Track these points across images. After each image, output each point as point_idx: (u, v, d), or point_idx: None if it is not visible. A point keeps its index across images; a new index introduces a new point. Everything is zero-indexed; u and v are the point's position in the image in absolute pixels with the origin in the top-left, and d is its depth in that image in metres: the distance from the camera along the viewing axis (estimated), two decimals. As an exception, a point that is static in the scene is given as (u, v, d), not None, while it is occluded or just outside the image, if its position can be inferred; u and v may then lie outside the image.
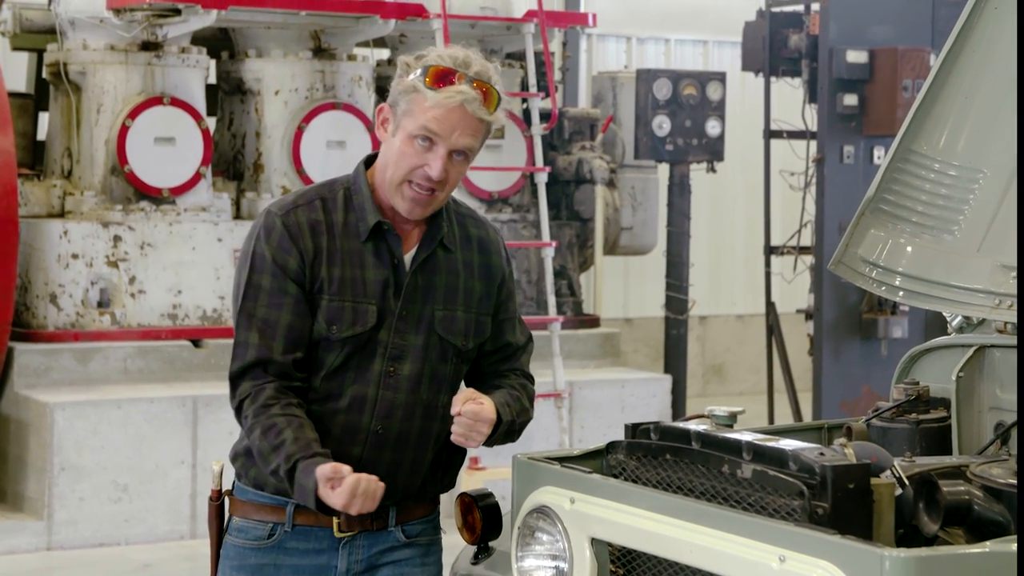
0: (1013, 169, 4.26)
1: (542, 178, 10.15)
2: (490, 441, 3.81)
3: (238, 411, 3.80)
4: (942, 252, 4.38)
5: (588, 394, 10.18)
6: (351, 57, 10.47)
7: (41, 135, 10.64)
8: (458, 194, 4.01)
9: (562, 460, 3.97)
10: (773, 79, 11.50)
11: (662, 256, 11.60)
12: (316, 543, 3.84)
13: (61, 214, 9.95)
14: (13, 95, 10.03)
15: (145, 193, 9.85)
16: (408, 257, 3.84)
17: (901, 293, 4.46)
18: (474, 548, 4.13)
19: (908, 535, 3.55)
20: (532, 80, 10.20)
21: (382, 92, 10.42)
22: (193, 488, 9.21)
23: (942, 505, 3.51)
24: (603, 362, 10.77)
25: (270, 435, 3.70)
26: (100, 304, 9.67)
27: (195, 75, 10.08)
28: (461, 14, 10.29)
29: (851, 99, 10.89)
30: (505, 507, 4.05)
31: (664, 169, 11.50)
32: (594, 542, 3.76)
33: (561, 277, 10.88)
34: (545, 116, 10.54)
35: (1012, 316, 4.14)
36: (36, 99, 10.76)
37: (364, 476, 3.65)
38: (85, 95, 9.96)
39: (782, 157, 12.02)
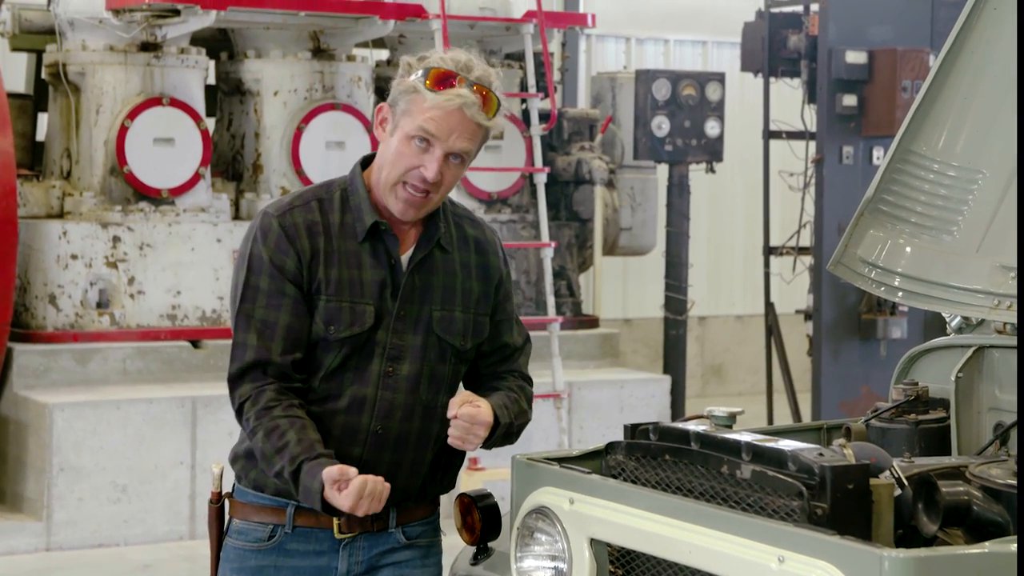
0: (1012, 169, 4.26)
1: (541, 179, 10.14)
2: (488, 443, 3.81)
3: (239, 413, 3.79)
4: (941, 252, 4.37)
5: (587, 395, 10.17)
6: (350, 58, 10.46)
7: (40, 136, 10.64)
8: (457, 195, 4.01)
9: (561, 461, 3.96)
10: (772, 80, 11.50)
11: (661, 257, 11.59)
12: (316, 544, 3.83)
13: (60, 215, 9.95)
14: (12, 96, 10.03)
15: (144, 194, 9.84)
16: (405, 257, 3.84)
17: (900, 294, 4.46)
18: (473, 549, 4.13)
19: (907, 536, 3.55)
20: (531, 80, 10.19)
21: (381, 93, 10.42)
22: (192, 489, 9.21)
23: (941, 506, 3.51)
24: (602, 363, 10.76)
25: (273, 437, 3.70)
26: (99, 305, 9.66)
27: (194, 76, 10.07)
28: (460, 15, 10.29)
29: (850, 100, 10.88)
30: (504, 508, 4.05)
31: (663, 170, 11.49)
32: (593, 543, 3.76)
33: (560, 278, 10.87)
34: (544, 117, 10.54)
35: (1011, 317, 4.14)
36: (35, 100, 10.75)
37: (371, 477, 3.65)
38: (84, 96, 9.95)
39: (781, 158, 12.01)
